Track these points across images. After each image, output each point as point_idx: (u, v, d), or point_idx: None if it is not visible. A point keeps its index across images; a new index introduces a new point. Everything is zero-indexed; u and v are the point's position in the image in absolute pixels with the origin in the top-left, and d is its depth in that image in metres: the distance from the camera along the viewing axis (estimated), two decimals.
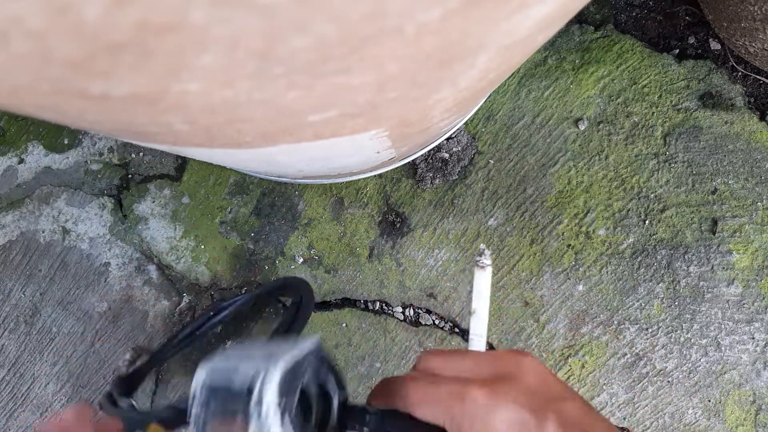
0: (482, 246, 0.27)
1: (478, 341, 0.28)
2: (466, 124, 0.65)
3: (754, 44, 0.56)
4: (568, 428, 0.24)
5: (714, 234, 0.61)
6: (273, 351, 0.26)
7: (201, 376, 0.25)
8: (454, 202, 0.64)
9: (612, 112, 0.64)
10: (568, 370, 0.61)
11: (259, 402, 0.24)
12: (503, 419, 0.24)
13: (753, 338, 0.60)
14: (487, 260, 0.26)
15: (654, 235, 0.62)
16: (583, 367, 0.61)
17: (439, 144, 0.63)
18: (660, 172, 0.63)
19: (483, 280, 0.27)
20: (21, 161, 0.68)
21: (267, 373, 0.25)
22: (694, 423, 0.59)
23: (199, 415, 0.25)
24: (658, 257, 0.61)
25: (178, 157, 0.67)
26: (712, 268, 0.61)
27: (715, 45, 0.65)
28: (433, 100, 0.29)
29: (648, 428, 0.60)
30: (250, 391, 0.25)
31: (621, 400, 0.60)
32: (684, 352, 0.60)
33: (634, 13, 0.67)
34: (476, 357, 0.27)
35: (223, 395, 0.25)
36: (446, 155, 0.63)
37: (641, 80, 0.64)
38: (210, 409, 0.25)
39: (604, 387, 0.60)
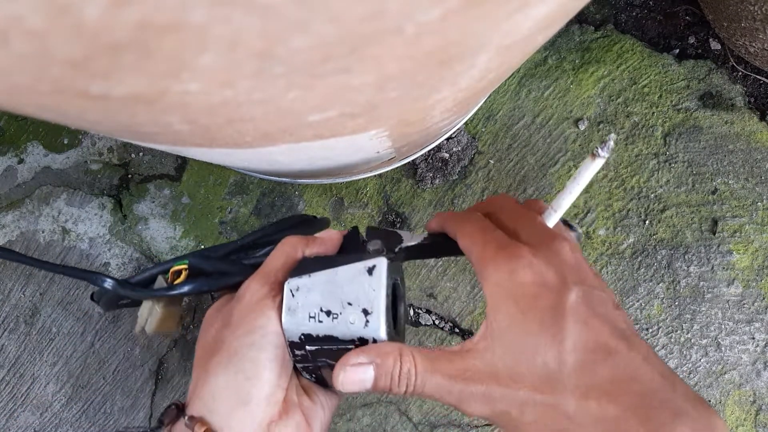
0: (612, 136, 0.26)
1: (551, 214, 0.28)
2: (466, 124, 0.65)
3: (754, 44, 0.56)
4: (591, 308, 0.24)
5: (714, 234, 0.61)
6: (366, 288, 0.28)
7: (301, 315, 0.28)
8: (455, 202, 0.64)
9: (612, 112, 0.64)
10: None
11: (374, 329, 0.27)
12: (528, 272, 0.24)
13: (753, 338, 0.60)
14: (605, 152, 0.25)
15: (654, 235, 0.62)
16: None
17: (439, 144, 0.63)
18: (660, 172, 0.63)
19: (589, 167, 0.26)
20: (21, 161, 0.68)
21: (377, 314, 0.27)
22: None
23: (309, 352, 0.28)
24: (659, 257, 0.61)
25: (177, 157, 0.67)
26: (713, 268, 0.61)
27: (715, 45, 0.65)
28: (433, 100, 0.29)
29: None
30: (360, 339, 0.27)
31: None
32: (684, 353, 0.60)
33: (634, 13, 0.67)
34: (537, 223, 0.28)
35: (333, 343, 0.28)
36: (446, 155, 0.63)
37: (641, 80, 0.64)
38: (322, 353, 0.28)
39: None
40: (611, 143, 0.25)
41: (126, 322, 0.64)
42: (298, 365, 0.29)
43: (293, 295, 0.28)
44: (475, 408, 0.24)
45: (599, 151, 0.25)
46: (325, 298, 0.28)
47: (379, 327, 0.27)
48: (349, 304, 0.27)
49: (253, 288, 0.29)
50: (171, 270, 0.36)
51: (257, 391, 0.27)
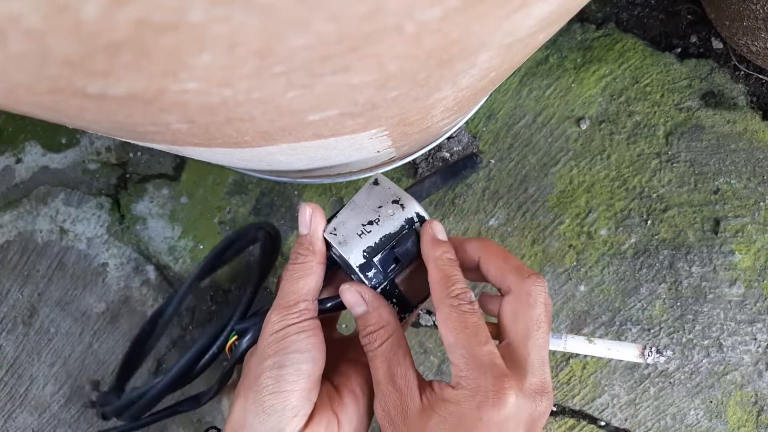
0: (669, 353, 0.33)
1: (557, 341, 0.32)
2: (466, 123, 0.65)
3: (756, 43, 0.56)
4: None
5: (716, 234, 0.61)
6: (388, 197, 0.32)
7: (360, 245, 0.30)
8: (455, 202, 0.63)
9: (614, 111, 0.64)
10: (570, 371, 0.61)
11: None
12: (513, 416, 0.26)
13: (755, 339, 0.59)
14: (650, 360, 0.30)
15: (656, 235, 0.62)
16: (584, 368, 0.61)
17: (440, 143, 0.63)
18: (662, 171, 0.63)
19: (626, 355, 0.31)
20: (18, 161, 0.68)
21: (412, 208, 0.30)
22: (695, 424, 0.59)
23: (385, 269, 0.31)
24: (660, 257, 0.61)
25: (176, 156, 0.66)
26: (715, 268, 0.61)
27: (717, 44, 0.65)
28: (434, 99, 0.29)
29: (650, 429, 0.60)
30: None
31: (623, 402, 0.60)
32: (686, 353, 0.60)
33: (635, 12, 0.66)
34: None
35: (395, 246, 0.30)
36: (447, 155, 0.63)
37: (643, 79, 0.64)
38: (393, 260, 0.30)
39: (605, 388, 0.60)
40: (662, 359, 0.29)
41: (124, 323, 0.64)
42: (377, 290, 0.31)
43: (336, 234, 0.31)
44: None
45: (648, 355, 0.30)
46: (359, 217, 0.31)
47: (413, 204, 0.30)
48: (380, 207, 0.31)
49: (273, 319, 0.31)
50: (227, 347, 0.38)
51: (280, 404, 0.28)
